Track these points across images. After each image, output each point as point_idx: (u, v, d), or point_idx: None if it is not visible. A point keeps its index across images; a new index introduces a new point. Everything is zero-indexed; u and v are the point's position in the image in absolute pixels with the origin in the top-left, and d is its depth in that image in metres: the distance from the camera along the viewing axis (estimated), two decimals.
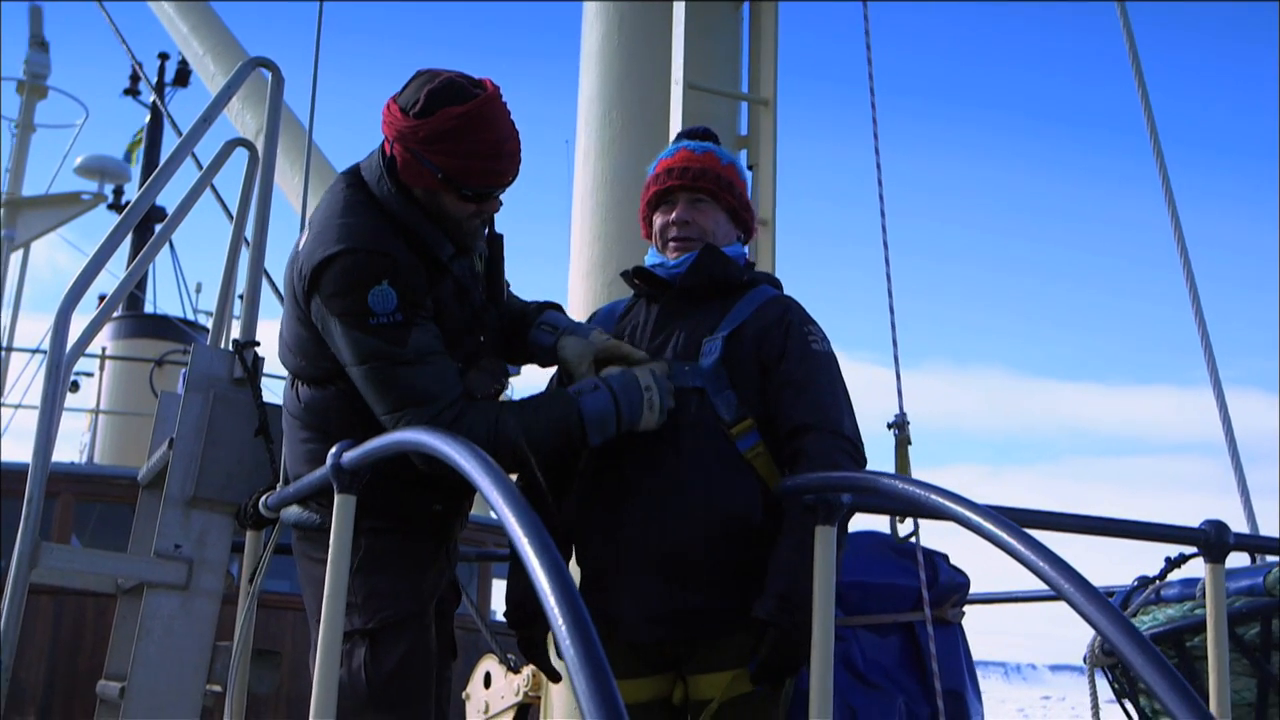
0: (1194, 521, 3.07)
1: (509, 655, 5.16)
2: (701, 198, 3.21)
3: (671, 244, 3.21)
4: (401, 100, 2.96)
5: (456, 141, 2.89)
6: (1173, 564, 3.78)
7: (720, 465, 3.01)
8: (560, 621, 1.50)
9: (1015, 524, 2.11)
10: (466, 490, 3.22)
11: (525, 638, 3.13)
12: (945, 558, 3.89)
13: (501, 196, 3.10)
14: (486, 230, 3.19)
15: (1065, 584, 1.96)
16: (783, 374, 3.06)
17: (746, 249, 3.38)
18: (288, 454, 3.27)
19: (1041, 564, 2.00)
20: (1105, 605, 1.90)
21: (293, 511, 3.24)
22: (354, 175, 3.10)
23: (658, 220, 3.26)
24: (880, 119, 4.20)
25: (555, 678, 3.22)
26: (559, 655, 3.11)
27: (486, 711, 5.10)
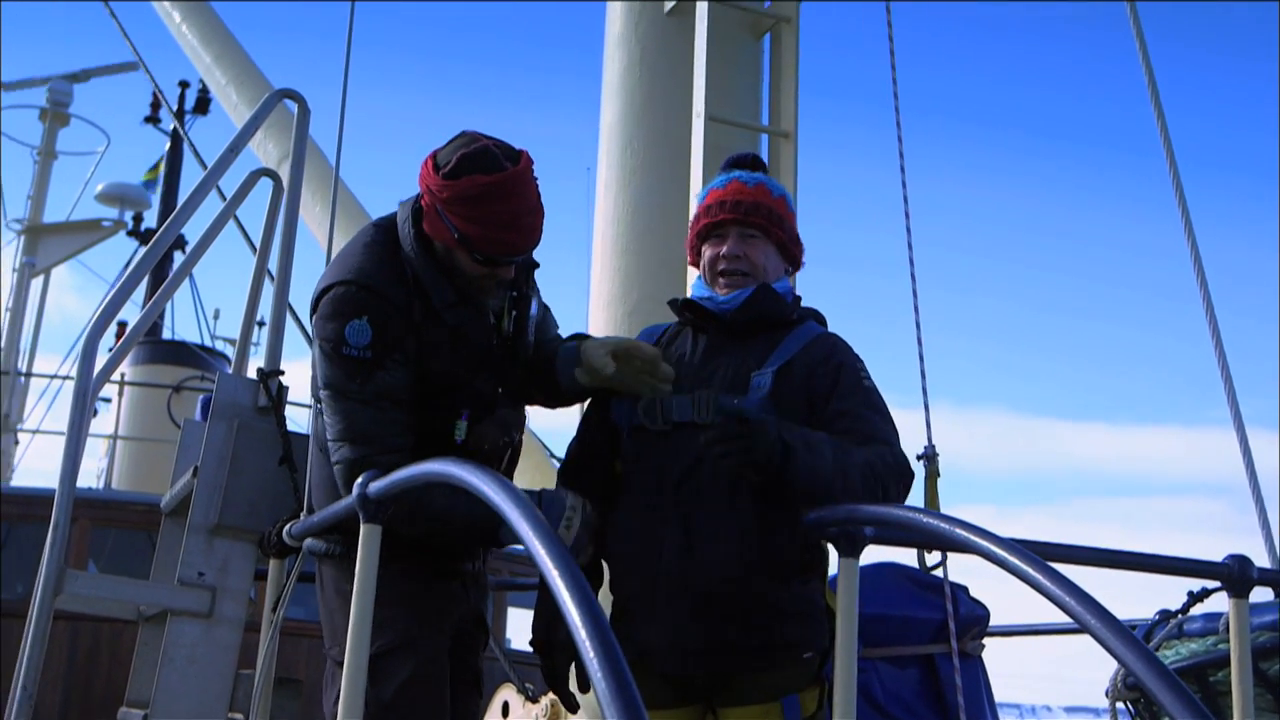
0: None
1: (526, 685, 5.15)
2: (753, 232, 3.22)
3: (721, 278, 3.22)
4: (439, 157, 3.07)
5: (475, 208, 2.99)
6: (1195, 598, 3.77)
7: (762, 500, 3.00)
8: (591, 655, 1.51)
9: (1039, 557, 2.12)
10: None
11: (548, 666, 3.13)
12: (965, 590, 3.89)
13: (534, 257, 3.22)
14: (515, 291, 3.26)
15: (1090, 618, 1.97)
16: (835, 407, 3.07)
17: (790, 282, 3.39)
18: (313, 484, 3.34)
19: (1066, 597, 2.01)
20: (1130, 639, 1.90)
21: (310, 540, 3.31)
22: (386, 218, 3.25)
23: (707, 252, 3.26)
24: (892, 139, 4.21)
25: (574, 707, 3.22)
26: (580, 686, 3.14)
27: None
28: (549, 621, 3.11)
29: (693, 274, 3.42)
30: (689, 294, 3.31)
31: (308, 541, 3.31)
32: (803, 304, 3.37)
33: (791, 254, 3.31)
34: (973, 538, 2.24)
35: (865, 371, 3.16)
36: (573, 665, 3.14)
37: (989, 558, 2.18)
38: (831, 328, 3.31)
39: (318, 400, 3.26)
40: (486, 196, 2.98)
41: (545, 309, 3.47)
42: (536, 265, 3.34)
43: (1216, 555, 3.01)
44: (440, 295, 3.12)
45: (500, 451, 3.23)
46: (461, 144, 3.05)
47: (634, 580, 3.08)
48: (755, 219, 3.21)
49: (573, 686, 3.18)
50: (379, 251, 3.14)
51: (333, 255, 3.46)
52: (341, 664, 3.09)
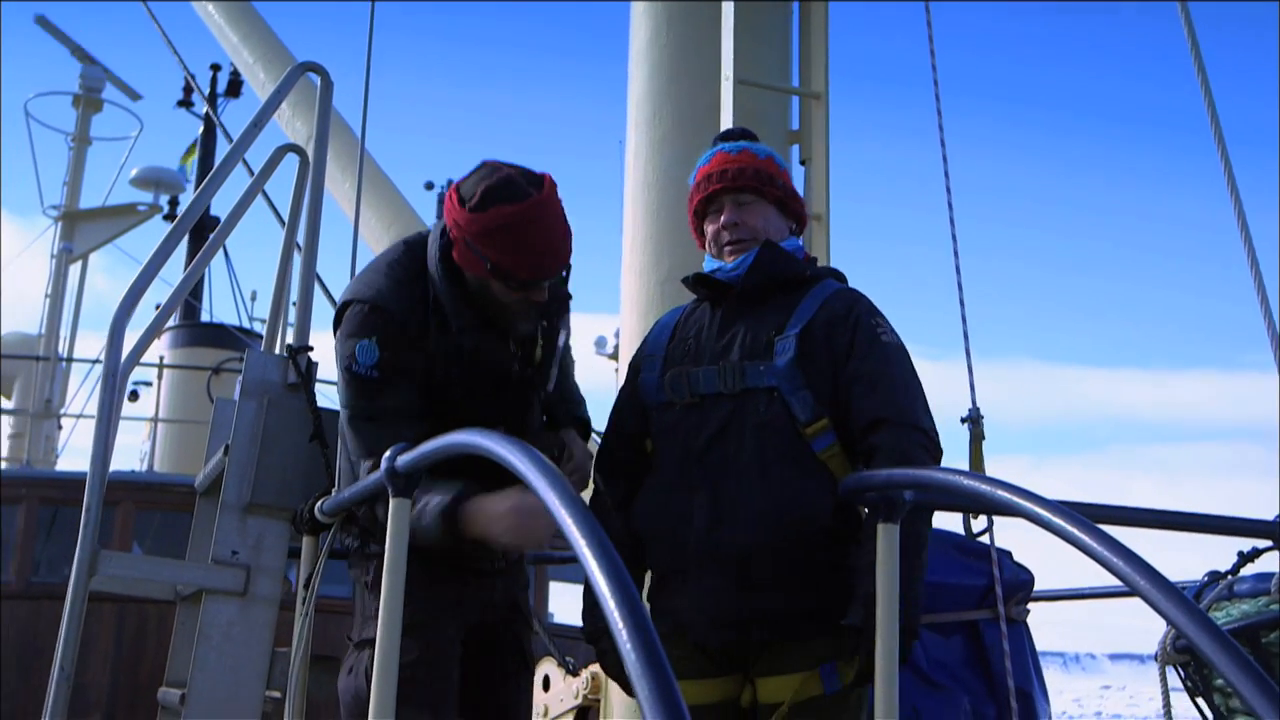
0: (1250, 509, 3.00)
1: (567, 658, 5.14)
2: (747, 197, 3.20)
3: (727, 248, 3.19)
4: (462, 190, 3.08)
5: (506, 238, 3.01)
6: (1245, 558, 3.69)
7: (792, 466, 2.97)
8: (620, 625, 1.47)
9: (1086, 519, 2.05)
10: None
11: (601, 651, 3.12)
12: (1009, 554, 3.83)
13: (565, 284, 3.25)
14: (546, 322, 3.28)
15: (1140, 580, 1.90)
16: (853, 368, 3.02)
17: (801, 240, 3.34)
18: (341, 470, 3.36)
19: (1116, 560, 1.94)
20: (1184, 602, 1.84)
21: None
22: (416, 238, 3.30)
23: (709, 228, 3.25)
24: (931, 116, 4.15)
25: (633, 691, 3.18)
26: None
27: (545, 715, 5.10)
28: (596, 606, 3.07)
29: None
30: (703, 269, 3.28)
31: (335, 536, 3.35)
32: (840, 270, 3.32)
33: (792, 209, 3.28)
34: (1016, 499, 2.17)
35: (883, 326, 3.09)
36: None
37: (1034, 520, 2.11)
38: (880, 294, 3.25)
39: None
40: (515, 225, 3.00)
41: (568, 346, 3.52)
42: (570, 297, 3.37)
43: (1258, 500, 2.95)
44: (459, 319, 3.15)
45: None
46: (484, 175, 3.07)
47: (667, 553, 3.06)
48: (745, 182, 3.19)
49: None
50: (399, 272, 3.19)
51: (359, 237, 3.46)
52: (358, 645, 3.20)
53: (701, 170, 3.27)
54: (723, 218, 3.19)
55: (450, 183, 3.35)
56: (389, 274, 3.19)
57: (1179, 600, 1.84)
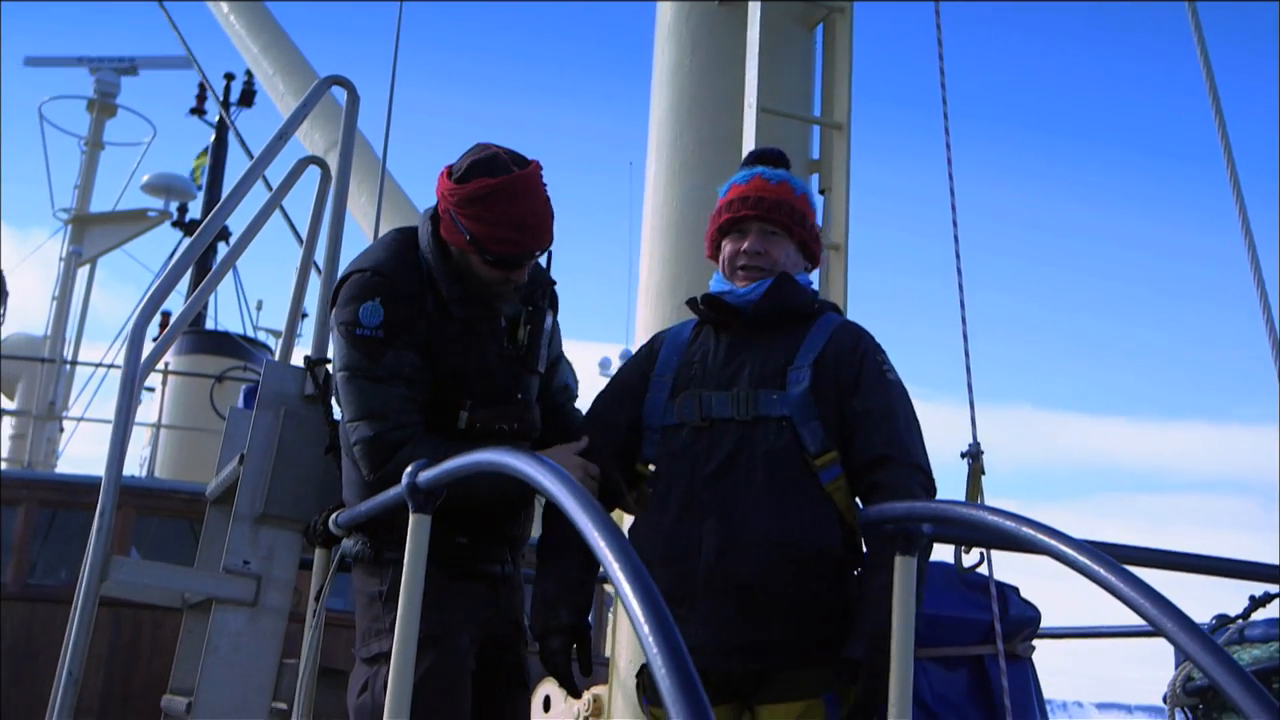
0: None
1: None
2: (774, 229, 3.21)
3: (740, 272, 3.20)
4: (453, 166, 3.23)
5: (483, 208, 3.12)
6: (1257, 603, 3.69)
7: (801, 496, 2.97)
8: (656, 651, 1.46)
9: (1113, 559, 2.05)
10: (493, 526, 3.29)
11: (545, 650, 3.07)
12: (1016, 590, 3.82)
13: (550, 263, 3.34)
14: (531, 306, 3.36)
15: (1166, 621, 1.90)
16: (859, 404, 3.04)
17: (812, 279, 3.36)
18: (345, 481, 3.36)
19: (1142, 601, 1.94)
20: (1211, 644, 1.84)
21: (345, 543, 3.33)
22: (410, 227, 3.41)
23: (728, 247, 3.25)
24: (941, 143, 4.15)
25: (576, 692, 3.19)
26: (582, 668, 3.07)
27: None
28: (548, 606, 3.07)
29: None
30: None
31: (343, 543, 3.33)
32: (836, 304, 3.34)
33: (811, 251, 3.31)
34: (1042, 537, 2.17)
35: (888, 363, 3.14)
36: (574, 648, 3.08)
37: (1059, 558, 2.11)
38: (887, 327, 3.27)
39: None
40: (493, 197, 3.10)
41: (556, 326, 3.55)
42: (554, 283, 3.45)
43: (1245, 553, 2.95)
44: (450, 288, 3.23)
45: (502, 438, 3.23)
46: (474, 153, 3.20)
47: (672, 578, 2.98)
48: (777, 216, 3.20)
49: (576, 673, 3.13)
50: (395, 248, 3.29)
51: None
52: (367, 660, 3.17)
53: (737, 189, 3.26)
54: (746, 244, 3.19)
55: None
56: (385, 249, 3.30)
57: (1206, 643, 1.84)
